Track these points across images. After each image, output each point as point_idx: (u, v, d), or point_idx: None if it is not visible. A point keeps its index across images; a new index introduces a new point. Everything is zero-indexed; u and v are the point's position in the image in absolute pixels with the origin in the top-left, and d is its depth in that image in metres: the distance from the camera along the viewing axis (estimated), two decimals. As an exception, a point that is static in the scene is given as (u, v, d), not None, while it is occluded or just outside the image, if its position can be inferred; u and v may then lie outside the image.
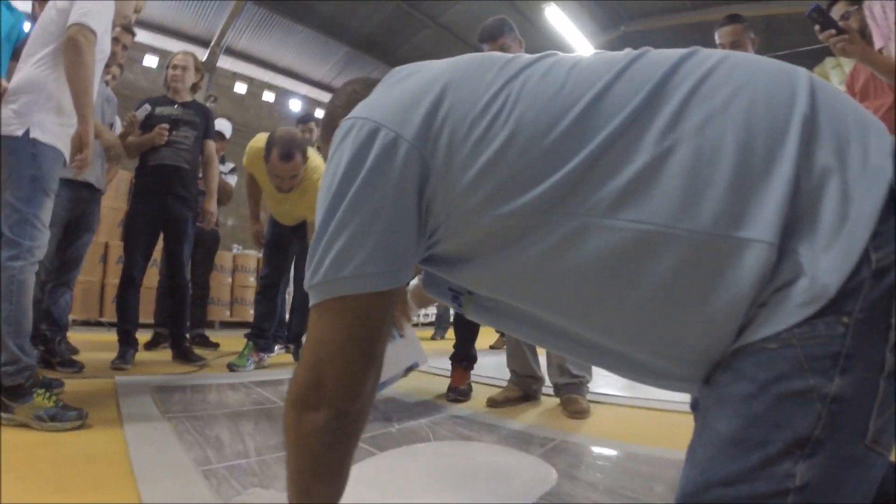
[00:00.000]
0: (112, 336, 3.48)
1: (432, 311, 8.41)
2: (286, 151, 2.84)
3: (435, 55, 0.91)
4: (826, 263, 0.60)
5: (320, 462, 0.82)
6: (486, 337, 5.70)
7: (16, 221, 1.87)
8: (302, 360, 0.82)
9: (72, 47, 1.95)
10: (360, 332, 0.79)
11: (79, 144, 1.97)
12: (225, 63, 9.43)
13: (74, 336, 3.75)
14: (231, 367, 3.40)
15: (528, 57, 0.83)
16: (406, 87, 0.82)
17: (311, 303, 0.80)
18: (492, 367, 3.50)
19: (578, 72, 0.77)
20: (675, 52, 0.76)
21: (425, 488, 1.51)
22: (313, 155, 3.14)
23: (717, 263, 0.65)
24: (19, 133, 1.89)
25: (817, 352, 0.60)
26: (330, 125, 1.03)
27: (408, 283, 2.28)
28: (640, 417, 2.44)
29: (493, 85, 0.77)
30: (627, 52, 0.79)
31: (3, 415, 1.80)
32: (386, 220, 0.75)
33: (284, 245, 3.64)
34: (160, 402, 2.33)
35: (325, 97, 11.20)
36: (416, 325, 8.62)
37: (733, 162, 0.65)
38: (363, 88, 1.02)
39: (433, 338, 6.53)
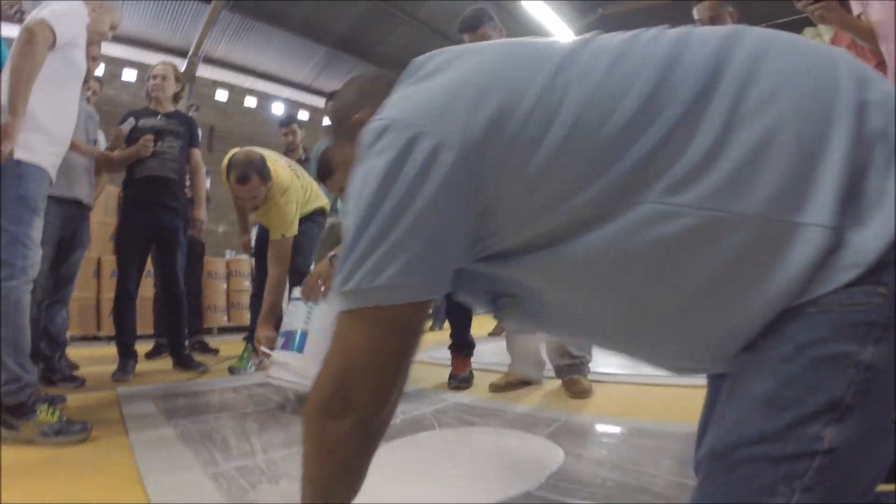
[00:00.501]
0: (111, 350, 3.50)
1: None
2: (241, 175, 2.83)
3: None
4: (866, 234, 0.62)
5: (344, 468, 0.82)
6: (485, 325, 5.72)
7: (7, 242, 1.86)
8: (326, 366, 0.80)
9: (25, 37, 1.92)
10: (393, 343, 0.77)
11: None
12: (204, 72, 9.41)
13: (73, 352, 3.75)
14: (232, 371, 3.43)
15: (564, 42, 0.81)
16: (441, 83, 0.78)
17: (340, 309, 0.78)
18: (491, 353, 3.52)
19: (624, 56, 0.74)
20: (721, 33, 0.75)
21: (434, 476, 1.53)
22: (280, 171, 3.13)
23: (776, 247, 0.65)
24: None
25: (854, 318, 0.61)
26: (342, 124, 0.99)
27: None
28: (642, 394, 2.45)
29: (538, 77, 0.73)
30: (669, 35, 0.77)
31: (5, 432, 1.81)
32: (428, 230, 0.72)
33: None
34: (164, 409, 2.35)
35: (307, 99, 11.19)
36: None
37: (789, 144, 0.65)
38: (370, 84, 0.98)
39: (431, 328, 6.54)
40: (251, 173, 2.84)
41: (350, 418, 0.77)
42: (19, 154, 1.90)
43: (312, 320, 2.39)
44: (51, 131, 2.01)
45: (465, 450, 1.78)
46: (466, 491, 1.38)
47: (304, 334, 2.39)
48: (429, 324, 6.88)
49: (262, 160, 2.93)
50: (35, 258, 1.95)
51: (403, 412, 2.27)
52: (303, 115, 10.77)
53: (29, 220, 1.93)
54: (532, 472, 1.47)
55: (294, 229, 3.11)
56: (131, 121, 3.44)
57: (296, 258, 3.33)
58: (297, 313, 2.45)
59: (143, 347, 3.90)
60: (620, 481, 1.38)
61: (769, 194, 0.64)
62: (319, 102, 10.80)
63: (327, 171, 2.62)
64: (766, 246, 0.65)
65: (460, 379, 2.82)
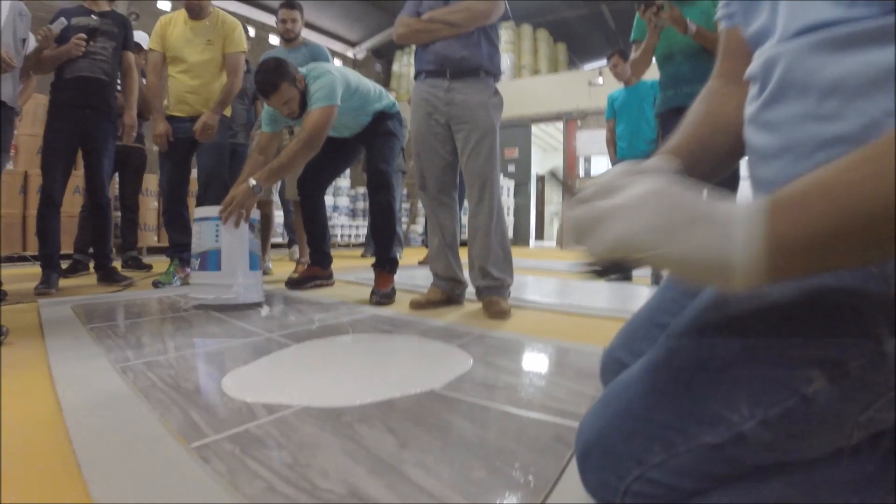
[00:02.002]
0: (37, 269, 3.40)
1: (363, 231, 8.44)
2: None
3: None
4: None
5: None
6: (417, 254, 5.80)
7: None
8: None
9: None
10: None
11: None
12: (143, -22, 8.83)
13: (-3, 273, 3.63)
14: (156, 284, 3.40)
15: None
16: None
17: None
18: (420, 276, 3.58)
19: None
20: None
21: (337, 371, 1.58)
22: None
23: None
24: None
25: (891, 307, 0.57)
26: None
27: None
28: (561, 320, 2.51)
29: None
30: None
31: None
32: None
33: (182, 150, 3.53)
34: (83, 316, 2.34)
35: (253, 14, 10.70)
36: (346, 245, 8.67)
37: None
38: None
39: (363, 255, 6.62)
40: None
41: None
42: None
43: (222, 238, 2.54)
44: None
45: (374, 350, 1.83)
46: (367, 385, 1.42)
47: (218, 252, 2.54)
48: (359, 252, 7.00)
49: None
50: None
51: (320, 319, 2.33)
52: (250, 32, 10.29)
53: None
54: (438, 374, 1.51)
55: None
56: (62, 20, 3.25)
57: (235, 170, 3.36)
58: (206, 233, 2.57)
59: (67, 264, 3.82)
60: (521, 386, 1.43)
61: None
62: (267, 18, 10.40)
63: (272, 89, 2.74)
64: None
65: (382, 294, 2.85)
